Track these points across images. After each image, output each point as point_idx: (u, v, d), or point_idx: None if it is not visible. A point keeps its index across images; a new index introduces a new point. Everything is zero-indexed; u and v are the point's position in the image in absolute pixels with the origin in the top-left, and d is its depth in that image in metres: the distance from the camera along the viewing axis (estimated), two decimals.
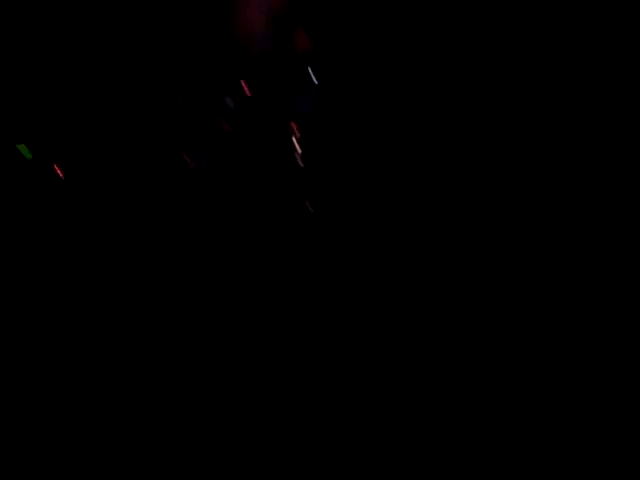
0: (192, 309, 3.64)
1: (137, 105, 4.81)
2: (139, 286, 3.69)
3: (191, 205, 3.98)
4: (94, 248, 3.89)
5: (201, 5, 5.40)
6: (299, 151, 3.88)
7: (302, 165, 3.83)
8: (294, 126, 3.89)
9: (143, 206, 4.10)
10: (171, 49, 5.27)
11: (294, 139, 3.91)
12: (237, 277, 3.74)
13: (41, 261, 3.71)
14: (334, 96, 2.90)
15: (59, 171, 4.16)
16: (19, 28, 4.60)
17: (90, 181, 4.29)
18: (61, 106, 4.64)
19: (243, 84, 4.18)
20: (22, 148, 4.15)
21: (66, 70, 4.87)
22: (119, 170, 4.37)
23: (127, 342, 3.56)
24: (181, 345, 3.55)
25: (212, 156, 4.03)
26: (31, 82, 4.60)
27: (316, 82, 3.69)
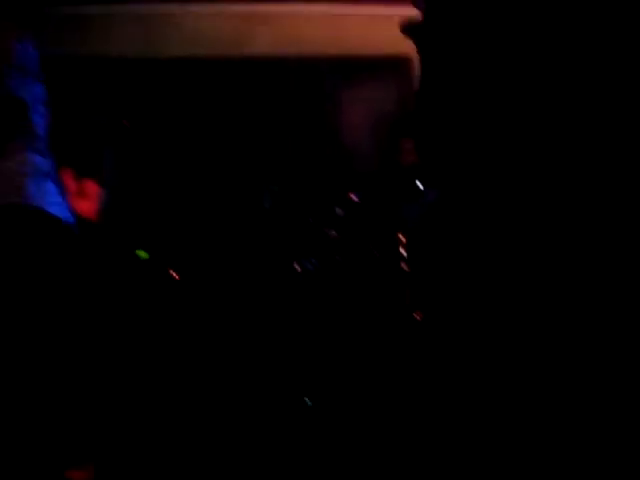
0: None
1: (247, 212, 4.99)
2: None
3: (297, 307, 4.03)
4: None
5: (311, 117, 5.65)
6: (405, 257, 3.89)
7: (408, 271, 3.83)
8: (401, 234, 3.92)
9: (251, 308, 4.18)
10: (281, 158, 5.51)
11: (401, 247, 3.93)
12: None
13: None
14: (442, 204, 2.89)
15: (174, 273, 4.31)
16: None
17: (201, 285, 4.42)
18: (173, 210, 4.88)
19: (352, 194, 4.28)
20: (140, 253, 4.35)
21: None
22: (227, 269, 4.51)
23: None
24: None
25: (319, 261, 4.10)
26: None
27: (423, 190, 3.74)
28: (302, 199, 4.94)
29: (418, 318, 3.72)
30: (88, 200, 3.73)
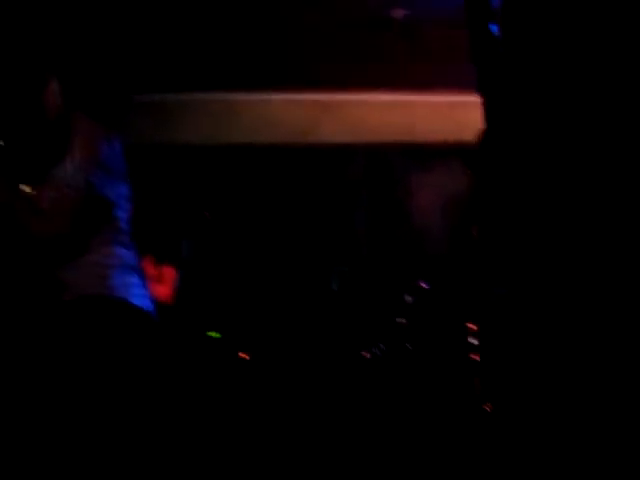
0: None
1: (316, 294, 5.05)
2: None
3: (365, 393, 4.02)
4: None
5: (382, 201, 5.73)
6: (475, 347, 3.88)
7: (478, 360, 3.81)
8: (471, 323, 3.92)
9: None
10: (351, 241, 5.58)
11: (470, 336, 3.92)
12: None
13: None
14: (512, 297, 2.91)
15: (244, 354, 4.37)
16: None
17: (271, 365, 4.47)
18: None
19: (421, 281, 4.31)
20: (212, 334, 4.45)
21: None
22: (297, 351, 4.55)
23: None
24: None
25: (387, 347, 4.11)
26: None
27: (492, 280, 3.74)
28: (371, 283, 4.99)
29: (488, 409, 3.68)
30: (165, 285, 3.89)
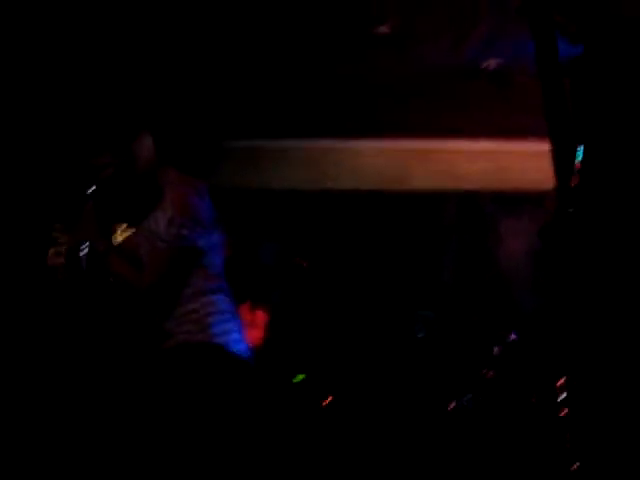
0: None
1: (401, 340, 5.03)
2: None
3: (452, 446, 3.98)
4: None
5: (471, 248, 5.69)
6: (565, 403, 3.77)
7: (569, 418, 3.71)
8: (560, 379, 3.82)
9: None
10: (439, 288, 5.56)
11: (560, 392, 3.82)
12: None
13: None
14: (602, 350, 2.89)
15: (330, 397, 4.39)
16: None
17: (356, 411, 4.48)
18: None
19: (511, 332, 4.25)
20: (299, 377, 4.50)
21: None
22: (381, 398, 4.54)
23: None
24: None
25: (475, 398, 4.06)
26: None
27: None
28: (457, 331, 4.95)
29: (576, 468, 3.57)
30: (257, 329, 3.98)
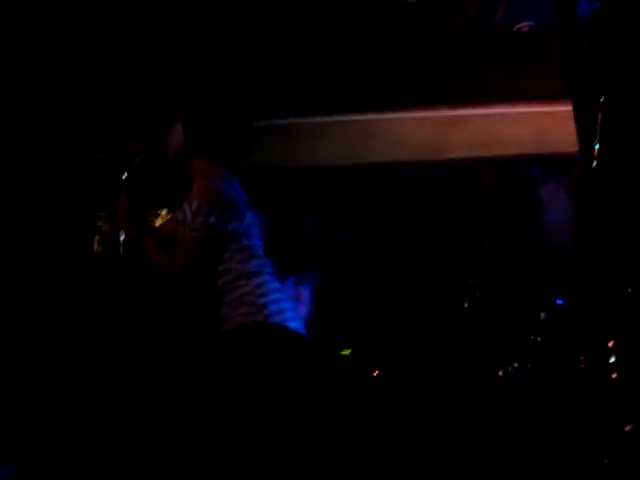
0: None
1: (447, 311, 5.03)
2: None
3: (500, 415, 3.98)
4: None
5: (513, 215, 5.64)
6: (617, 367, 3.74)
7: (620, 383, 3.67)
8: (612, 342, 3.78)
9: None
10: (483, 257, 5.53)
11: (612, 356, 3.79)
12: None
13: None
14: None
15: (376, 372, 4.42)
16: None
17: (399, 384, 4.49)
18: None
19: (557, 298, 4.21)
20: (345, 351, 4.54)
21: None
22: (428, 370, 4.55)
23: None
24: None
25: (523, 367, 4.05)
26: None
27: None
28: (502, 298, 4.92)
29: (629, 430, 3.54)
30: (302, 305, 4.02)
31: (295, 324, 2.52)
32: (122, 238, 2.73)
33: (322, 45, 4.66)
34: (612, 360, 3.89)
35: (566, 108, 5.47)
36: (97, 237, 4.53)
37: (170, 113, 2.64)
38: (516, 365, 4.07)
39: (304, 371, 2.51)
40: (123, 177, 2.65)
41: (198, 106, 2.61)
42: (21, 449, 3.53)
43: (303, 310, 3.96)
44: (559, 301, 4.22)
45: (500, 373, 4.12)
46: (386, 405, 4.30)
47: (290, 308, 2.56)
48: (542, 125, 5.62)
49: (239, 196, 2.56)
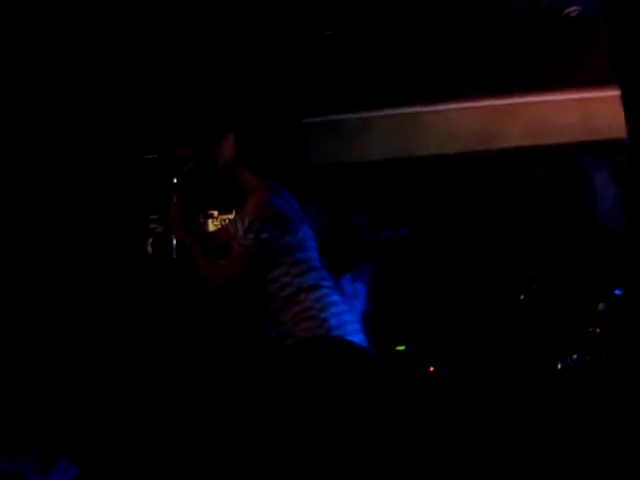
0: None
1: (503, 303, 4.96)
2: None
3: (557, 407, 3.91)
4: None
5: (566, 203, 5.54)
6: None
7: None
8: None
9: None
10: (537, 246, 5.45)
11: None
12: None
13: None
14: None
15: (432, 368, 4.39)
16: None
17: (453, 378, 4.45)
18: None
19: (614, 289, 4.13)
20: (400, 347, 4.52)
21: None
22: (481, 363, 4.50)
23: None
24: None
25: (580, 359, 3.97)
26: None
27: None
28: (558, 289, 4.84)
29: None
30: (359, 301, 4.03)
31: (357, 337, 2.50)
32: (175, 241, 2.77)
33: (369, 39, 4.63)
34: None
35: (615, 93, 5.42)
36: (150, 239, 4.59)
37: (225, 123, 2.65)
38: (575, 357, 3.99)
39: (366, 384, 2.50)
40: (174, 181, 2.69)
41: (254, 121, 2.62)
42: (82, 449, 3.60)
43: (359, 306, 3.96)
44: (617, 291, 4.12)
45: (559, 366, 4.04)
46: (444, 403, 4.27)
47: (351, 321, 2.54)
48: (592, 111, 5.51)
49: (292, 209, 2.55)
